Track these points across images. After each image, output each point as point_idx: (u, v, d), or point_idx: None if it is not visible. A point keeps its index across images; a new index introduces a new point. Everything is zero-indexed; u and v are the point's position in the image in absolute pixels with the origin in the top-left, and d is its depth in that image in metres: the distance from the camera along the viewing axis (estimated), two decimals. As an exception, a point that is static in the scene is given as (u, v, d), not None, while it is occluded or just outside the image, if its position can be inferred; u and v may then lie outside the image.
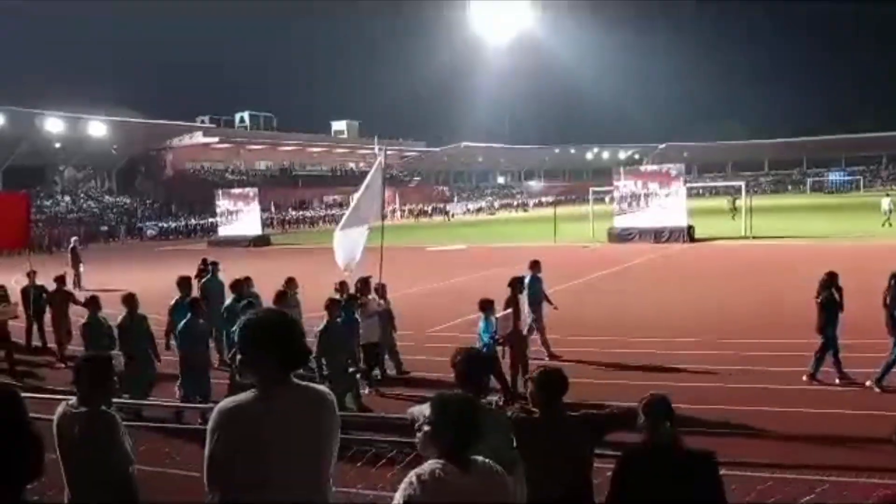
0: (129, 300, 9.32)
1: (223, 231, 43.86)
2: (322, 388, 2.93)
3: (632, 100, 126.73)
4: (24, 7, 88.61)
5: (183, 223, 57.84)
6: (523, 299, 10.29)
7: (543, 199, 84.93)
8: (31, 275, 14.00)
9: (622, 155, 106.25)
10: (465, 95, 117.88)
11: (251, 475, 2.66)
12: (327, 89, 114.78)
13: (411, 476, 2.68)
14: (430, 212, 74.05)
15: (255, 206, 42.77)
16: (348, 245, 11.55)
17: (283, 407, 2.71)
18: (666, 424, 3.80)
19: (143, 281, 13.43)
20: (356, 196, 11.70)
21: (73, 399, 3.92)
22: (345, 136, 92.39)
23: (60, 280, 13.55)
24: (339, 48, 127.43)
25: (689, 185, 37.17)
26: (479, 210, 78.77)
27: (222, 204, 44.07)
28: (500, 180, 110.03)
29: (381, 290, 10.84)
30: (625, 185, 32.23)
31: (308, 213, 68.75)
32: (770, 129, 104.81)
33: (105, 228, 54.57)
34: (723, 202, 48.18)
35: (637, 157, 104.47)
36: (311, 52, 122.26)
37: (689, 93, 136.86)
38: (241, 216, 42.86)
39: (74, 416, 3.85)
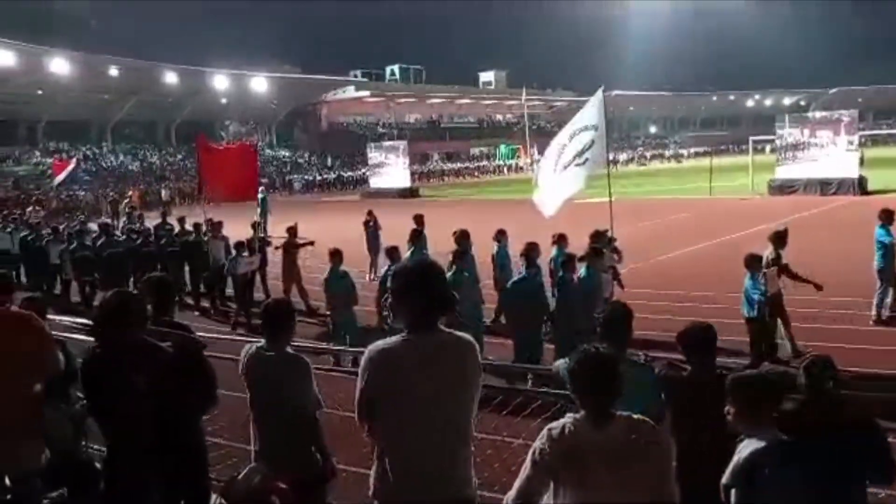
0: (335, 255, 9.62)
1: (374, 183, 45.16)
2: (465, 335, 3.00)
3: (797, 41, 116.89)
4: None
5: (335, 175, 59.92)
6: None
7: (699, 150, 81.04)
8: (256, 226, 14.19)
9: (787, 101, 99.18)
10: (617, 43, 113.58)
11: (396, 413, 2.86)
12: (476, 40, 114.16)
13: (545, 430, 2.74)
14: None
15: (404, 159, 43.66)
16: (565, 185, 10.55)
17: (427, 350, 2.85)
18: (829, 385, 3.61)
19: (325, 231, 13.87)
20: (566, 135, 10.61)
21: (263, 342, 4.07)
22: (492, 87, 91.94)
23: (292, 231, 13.27)
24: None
25: (862, 133, 34.32)
26: (628, 161, 75.98)
27: (373, 156, 45.33)
28: (653, 129, 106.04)
29: (614, 246, 10.03)
30: (789, 133, 30.18)
31: (455, 165, 69.34)
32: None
33: (265, 180, 57.66)
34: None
35: (803, 103, 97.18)
36: (461, 3, 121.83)
37: (862, 30, 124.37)
38: (390, 168, 43.92)
39: (264, 358, 4.00)
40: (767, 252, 8.66)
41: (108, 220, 19.23)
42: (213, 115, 65.81)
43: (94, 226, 19.74)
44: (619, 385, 2.77)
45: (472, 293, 9.02)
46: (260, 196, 26.82)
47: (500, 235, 10.80)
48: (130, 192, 39.45)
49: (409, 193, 41.97)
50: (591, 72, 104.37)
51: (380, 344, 2.91)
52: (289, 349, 4.08)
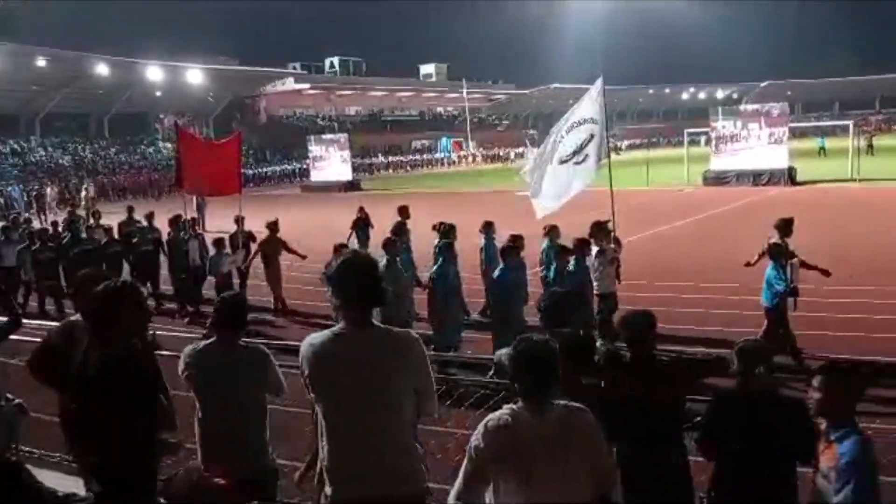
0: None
1: (315, 176, 44.70)
2: (402, 330, 3.10)
3: (730, 36, 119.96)
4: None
5: (277, 169, 59.08)
6: None
7: (636, 142, 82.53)
8: (240, 220, 13.22)
9: (720, 94, 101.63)
10: (556, 36, 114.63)
11: (327, 405, 2.96)
12: (416, 32, 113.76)
13: (481, 425, 2.79)
14: (510, 157, 72.43)
15: (345, 152, 43.32)
16: (560, 182, 10.23)
17: (356, 344, 2.92)
18: (760, 370, 3.73)
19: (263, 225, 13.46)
20: (561, 129, 10.33)
21: (212, 339, 4.03)
22: (433, 79, 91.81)
23: (273, 226, 12.65)
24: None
25: (792, 125, 35.52)
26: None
27: (313, 150, 44.84)
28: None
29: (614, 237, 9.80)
30: (723, 125, 31.01)
31: (397, 158, 69.14)
32: (880, 63, 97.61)
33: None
34: (831, 143, 45.75)
35: (736, 96, 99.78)
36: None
37: (791, 26, 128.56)
38: (331, 162, 43.52)
39: (216, 352, 3.95)
40: (770, 240, 8.45)
41: (74, 217, 17.37)
42: (148, 107, 63.98)
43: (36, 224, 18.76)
44: (557, 374, 2.82)
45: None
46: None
47: (488, 227, 10.87)
48: (86, 186, 37.07)
49: (350, 186, 41.70)
50: (531, 65, 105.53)
51: (314, 336, 2.99)
52: (241, 343, 4.05)
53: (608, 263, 9.04)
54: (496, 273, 8.64)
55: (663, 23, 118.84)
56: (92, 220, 16.56)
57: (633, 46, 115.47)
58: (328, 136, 47.05)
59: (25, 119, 55.63)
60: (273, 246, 12.43)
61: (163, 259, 13.55)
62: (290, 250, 12.60)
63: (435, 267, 9.15)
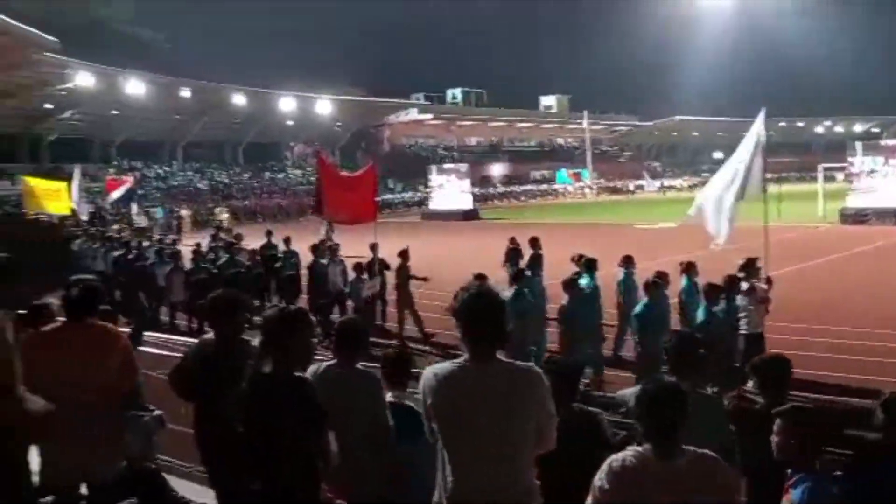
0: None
1: (434, 205, 45.44)
2: (526, 365, 3.03)
3: (870, 67, 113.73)
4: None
5: (399, 197, 60.46)
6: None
7: (767, 177, 78.61)
8: (374, 247, 13.19)
9: (858, 128, 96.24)
10: (680, 67, 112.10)
11: (448, 438, 2.92)
12: (537, 64, 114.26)
13: (605, 464, 2.70)
14: (630, 188, 71.02)
15: (465, 181, 43.83)
16: (718, 215, 9.98)
17: (479, 379, 2.88)
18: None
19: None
20: (738, 160, 10.12)
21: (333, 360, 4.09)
22: (554, 110, 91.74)
23: (404, 255, 12.74)
24: (550, 22, 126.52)
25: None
26: (692, 187, 74.38)
27: (434, 178, 45.64)
28: (718, 155, 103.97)
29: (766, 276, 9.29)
30: (862, 161, 29.29)
31: (515, 189, 69.34)
32: None
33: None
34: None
35: (877, 130, 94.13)
36: (523, 28, 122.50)
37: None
38: (451, 191, 44.13)
39: (333, 374, 3.99)
40: None
41: (231, 240, 17.46)
42: (279, 135, 67.25)
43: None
44: (683, 418, 2.71)
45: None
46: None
47: (627, 261, 10.60)
48: (218, 209, 39.22)
49: (469, 215, 42.11)
50: (653, 97, 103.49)
51: (438, 367, 2.97)
52: (359, 367, 4.09)
53: (758, 302, 8.60)
54: (638, 308, 8.39)
55: (795, 53, 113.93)
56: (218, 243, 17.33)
57: (762, 77, 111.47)
58: (449, 166, 47.87)
59: (169, 146, 59.71)
60: (404, 273, 12.58)
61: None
62: (414, 277, 12.70)
63: (566, 302, 8.97)
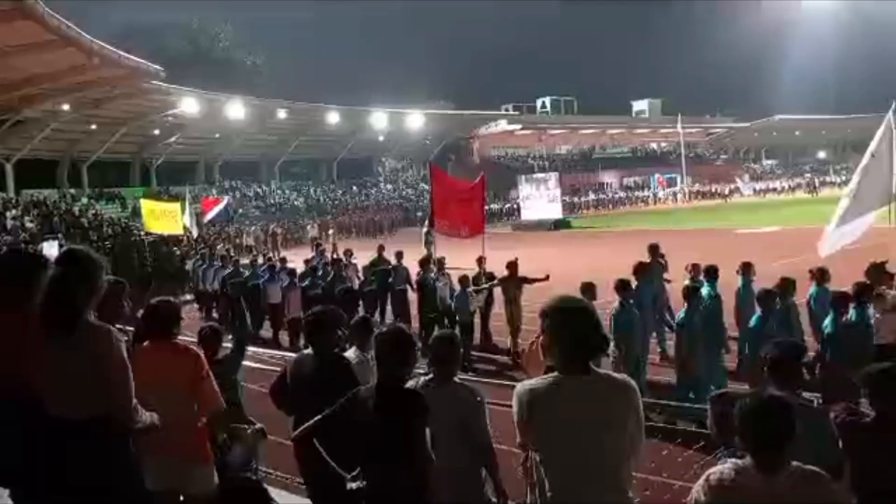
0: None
1: (525, 215, 45.31)
2: (620, 376, 3.04)
3: None
4: (351, 12, 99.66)
5: (488, 208, 60.45)
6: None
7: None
8: (482, 261, 12.99)
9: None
10: (780, 64, 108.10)
11: (545, 454, 2.92)
12: (629, 68, 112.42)
13: (703, 478, 2.65)
14: (725, 192, 68.38)
15: (555, 191, 43.56)
16: (850, 218, 9.60)
17: (574, 392, 2.87)
18: None
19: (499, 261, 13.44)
20: (862, 173, 9.59)
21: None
22: (646, 115, 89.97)
23: (512, 266, 12.14)
24: (641, 25, 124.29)
25: None
26: (794, 188, 71.36)
27: (524, 189, 45.54)
28: (822, 155, 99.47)
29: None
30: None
31: (607, 196, 68.33)
32: None
33: (420, 214, 59.18)
34: None
35: None
36: (613, 33, 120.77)
37: None
38: (541, 200, 43.92)
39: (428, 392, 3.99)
40: None
41: (338, 257, 17.11)
42: (372, 151, 68.68)
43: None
44: (792, 433, 2.63)
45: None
46: (424, 230, 27.43)
47: (746, 269, 9.88)
48: (310, 227, 40.06)
49: (561, 225, 41.79)
50: (751, 96, 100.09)
51: (528, 384, 2.97)
52: (456, 380, 4.10)
53: (889, 311, 7.95)
54: (753, 322, 7.95)
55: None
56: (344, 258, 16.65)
57: (862, 73, 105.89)
58: (538, 175, 47.73)
59: (267, 165, 61.92)
60: (514, 285, 11.98)
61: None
62: (531, 281, 12.03)
63: (683, 312, 8.65)
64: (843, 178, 76.67)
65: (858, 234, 9.23)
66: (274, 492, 4.65)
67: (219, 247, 29.26)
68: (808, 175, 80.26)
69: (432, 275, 12.99)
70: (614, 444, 2.86)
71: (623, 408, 2.89)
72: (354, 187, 64.21)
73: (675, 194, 70.21)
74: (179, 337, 4.40)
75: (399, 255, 14.74)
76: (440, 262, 13.26)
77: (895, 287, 8.32)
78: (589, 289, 8.50)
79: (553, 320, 2.98)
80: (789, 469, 2.59)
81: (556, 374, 2.94)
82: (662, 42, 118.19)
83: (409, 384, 3.97)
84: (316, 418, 3.72)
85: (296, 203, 56.97)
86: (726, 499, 2.58)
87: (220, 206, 34.08)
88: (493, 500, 3.97)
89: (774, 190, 70.40)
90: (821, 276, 8.83)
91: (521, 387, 2.98)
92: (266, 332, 14.87)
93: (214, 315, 16.73)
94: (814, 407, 4.15)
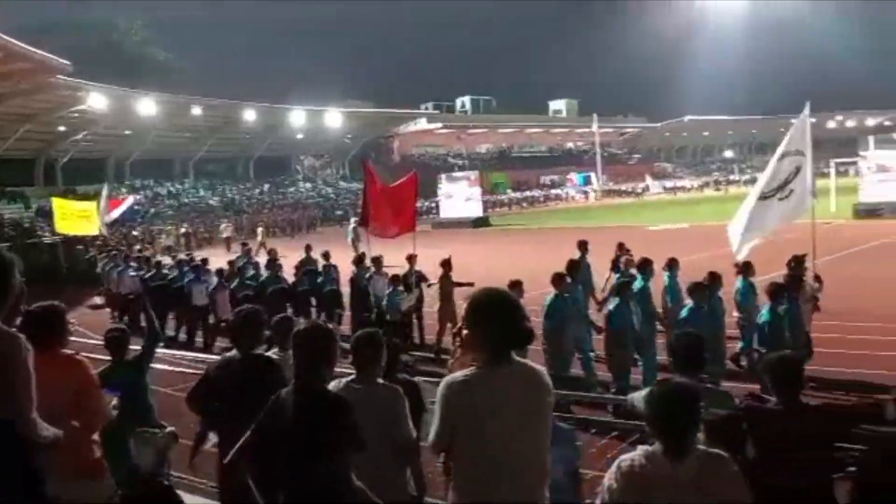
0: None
1: (445, 213, 45.48)
2: (536, 365, 3.03)
3: (880, 62, 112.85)
4: (269, 13, 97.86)
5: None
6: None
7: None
8: (413, 259, 12.64)
9: (870, 122, 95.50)
10: (690, 67, 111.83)
11: (469, 447, 2.90)
12: (545, 68, 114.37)
13: (614, 465, 2.72)
14: (635, 191, 70.34)
15: (475, 189, 43.88)
16: (762, 218, 9.60)
17: (500, 383, 2.87)
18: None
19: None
20: (775, 160, 9.62)
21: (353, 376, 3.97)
22: (563, 115, 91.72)
23: (446, 265, 12.10)
24: (557, 26, 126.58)
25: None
26: (702, 187, 73.89)
27: (444, 187, 45.71)
28: (728, 154, 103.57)
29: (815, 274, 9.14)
30: (874, 154, 29.13)
31: (526, 194, 69.32)
32: None
33: (340, 213, 58.64)
34: None
35: (888, 123, 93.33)
36: (531, 33, 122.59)
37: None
38: (462, 198, 44.18)
39: (353, 391, 3.86)
40: None
41: (275, 256, 15.38)
42: (290, 149, 67.66)
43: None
44: (697, 418, 2.73)
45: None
46: (351, 226, 27.20)
47: (671, 264, 10.05)
48: (223, 226, 39.13)
49: (481, 223, 42.14)
50: (663, 97, 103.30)
51: (456, 376, 2.96)
52: (379, 381, 4.02)
53: (805, 301, 8.45)
54: (683, 314, 8.10)
55: (803, 50, 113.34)
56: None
57: (771, 75, 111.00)
58: (458, 174, 47.96)
59: (181, 163, 60.14)
60: (449, 282, 11.96)
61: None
62: (459, 284, 11.84)
63: (611, 306, 8.73)
64: (748, 176, 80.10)
65: (768, 233, 9.53)
66: (187, 497, 4.55)
67: (136, 248, 28.06)
68: (716, 174, 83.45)
69: (367, 273, 12.82)
70: (540, 433, 2.92)
71: (543, 397, 2.94)
72: (271, 186, 63.10)
73: (585, 192, 71.72)
74: (88, 341, 4.19)
75: (326, 255, 14.47)
76: (377, 261, 13.07)
77: (812, 279, 8.77)
78: (516, 285, 8.60)
79: (479, 313, 2.98)
80: (696, 453, 2.68)
81: (479, 366, 2.94)
82: (579, 43, 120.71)
83: (332, 385, 3.88)
84: (246, 434, 3.55)
85: (211, 202, 55.57)
86: (636, 485, 2.65)
87: (126, 206, 32.72)
88: (415, 495, 3.98)
89: (683, 188, 72.69)
90: (746, 269, 9.20)
91: (444, 381, 2.97)
92: (184, 334, 14.31)
93: (126, 319, 16.06)
94: (719, 391, 4.34)
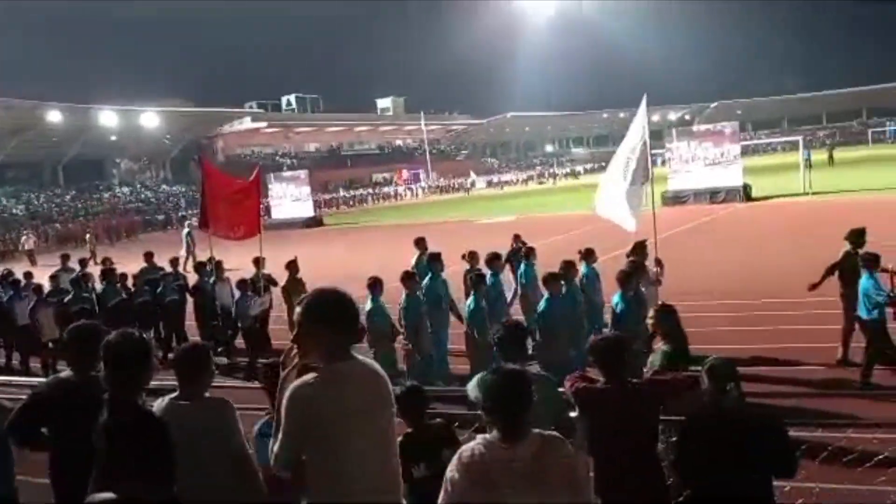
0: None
1: (276, 214, 44.34)
2: (370, 361, 3.03)
3: (680, 59, 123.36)
4: (73, 6, 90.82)
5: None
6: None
7: (595, 166, 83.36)
8: (260, 262, 12.04)
9: (672, 116, 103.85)
10: (511, 65, 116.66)
11: (324, 456, 2.83)
12: (371, 66, 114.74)
13: (455, 456, 2.76)
14: (463, 186, 71.83)
15: (305, 189, 43.16)
16: (619, 200, 9.55)
17: (346, 382, 2.85)
18: (730, 387, 3.76)
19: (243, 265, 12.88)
20: (627, 148, 9.75)
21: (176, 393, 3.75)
22: (390, 112, 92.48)
23: (292, 266, 11.73)
24: (381, 24, 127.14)
25: (744, 142, 36.47)
26: (526, 180, 77.08)
27: (274, 188, 44.60)
28: (549, 149, 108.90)
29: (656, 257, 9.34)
30: (677, 146, 31.61)
31: (358, 192, 69.21)
32: (827, 81, 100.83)
33: (162, 217, 55.72)
34: (781, 159, 47.48)
35: (688, 117, 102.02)
36: (354, 30, 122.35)
37: (739, 48, 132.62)
38: (292, 199, 43.30)
39: (178, 409, 3.65)
40: (845, 250, 8.26)
41: (111, 266, 13.86)
42: (104, 152, 63.38)
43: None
44: (529, 402, 2.79)
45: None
46: (185, 230, 25.79)
47: (530, 254, 10.21)
48: (24, 238, 36.11)
49: (313, 223, 41.54)
50: (487, 94, 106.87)
51: (301, 382, 2.84)
52: (206, 395, 3.81)
53: (650, 284, 8.73)
54: (542, 305, 8.05)
55: (614, 48, 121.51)
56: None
57: (584, 73, 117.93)
58: (288, 174, 46.94)
59: (-24, 169, 54.77)
60: (295, 286, 11.40)
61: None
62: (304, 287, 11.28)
63: (470, 300, 8.60)
64: (568, 169, 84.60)
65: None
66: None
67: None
68: (539, 167, 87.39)
69: (210, 279, 12.18)
70: (389, 428, 2.93)
71: (386, 391, 2.95)
72: (84, 191, 58.80)
73: (411, 189, 72.71)
74: None
75: (174, 262, 13.41)
76: (219, 265, 12.43)
77: (653, 263, 9.18)
78: (377, 282, 8.57)
79: (320, 311, 2.91)
80: (532, 436, 2.74)
81: (321, 367, 2.86)
82: (401, 41, 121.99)
83: (157, 402, 3.68)
84: (94, 472, 3.22)
85: (15, 211, 50.93)
86: (478, 473, 2.68)
87: None
88: None
89: (509, 182, 75.42)
90: (588, 255, 9.41)
91: (291, 389, 2.84)
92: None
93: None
94: (546, 376, 4.52)
